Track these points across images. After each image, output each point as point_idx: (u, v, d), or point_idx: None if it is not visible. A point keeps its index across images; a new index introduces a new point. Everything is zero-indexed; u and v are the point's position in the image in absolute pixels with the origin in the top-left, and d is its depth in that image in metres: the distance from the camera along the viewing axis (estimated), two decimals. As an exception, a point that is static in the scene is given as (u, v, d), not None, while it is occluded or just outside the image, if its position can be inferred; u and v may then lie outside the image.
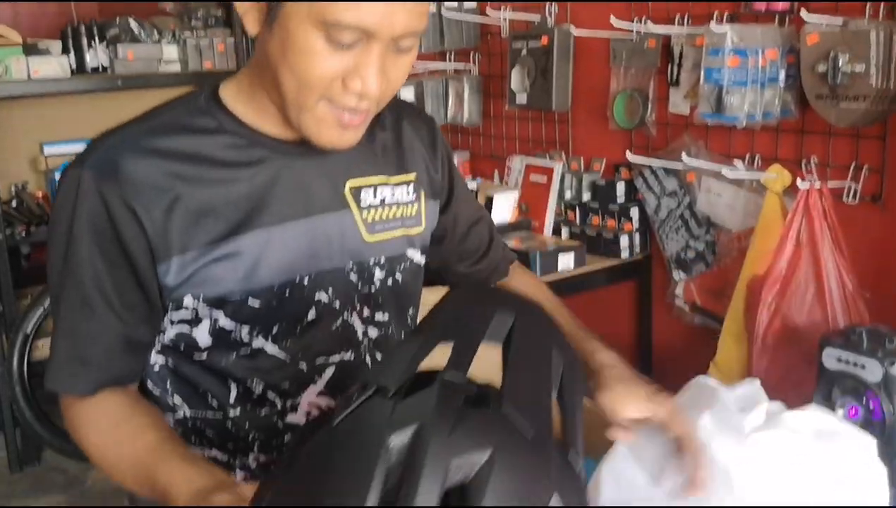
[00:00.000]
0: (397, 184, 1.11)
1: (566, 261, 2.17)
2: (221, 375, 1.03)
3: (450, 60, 2.88)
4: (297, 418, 1.07)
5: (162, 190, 0.95)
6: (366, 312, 1.09)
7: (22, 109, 3.44)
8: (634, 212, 2.28)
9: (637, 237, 2.29)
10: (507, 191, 2.44)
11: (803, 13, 1.72)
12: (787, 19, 1.82)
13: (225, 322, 1.00)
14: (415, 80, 2.93)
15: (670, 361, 2.29)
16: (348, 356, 1.08)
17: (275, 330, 1.02)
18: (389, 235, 1.09)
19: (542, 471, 0.61)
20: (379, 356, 1.13)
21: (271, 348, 1.03)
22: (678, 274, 2.19)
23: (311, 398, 1.07)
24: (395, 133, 1.13)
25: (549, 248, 2.20)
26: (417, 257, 1.14)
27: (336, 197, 1.05)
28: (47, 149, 3.48)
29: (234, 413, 1.05)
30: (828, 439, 1.18)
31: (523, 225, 2.41)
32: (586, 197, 2.41)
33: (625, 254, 2.27)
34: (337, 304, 1.06)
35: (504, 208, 2.40)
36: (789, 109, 1.84)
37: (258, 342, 1.02)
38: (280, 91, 0.93)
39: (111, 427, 0.95)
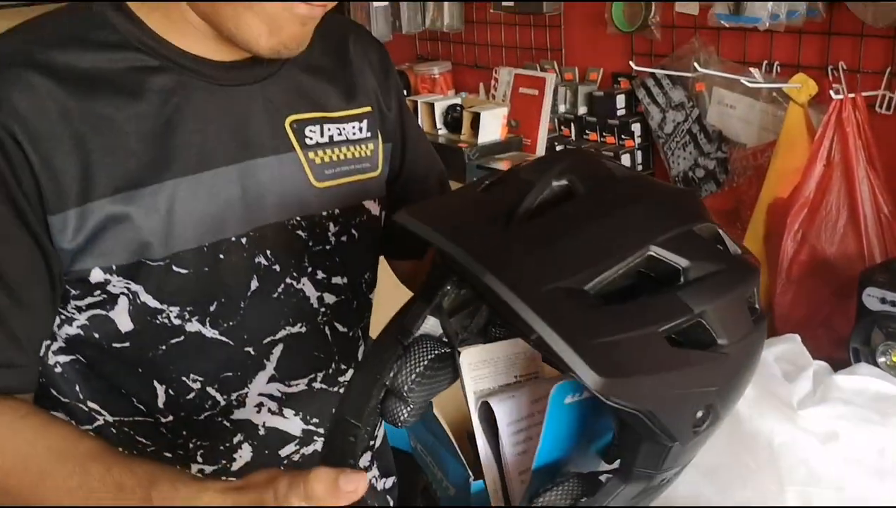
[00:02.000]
0: (347, 119, 0.91)
1: (563, 185, 1.97)
2: (147, 374, 0.83)
3: (427, -40, 2.61)
4: (245, 414, 0.89)
5: (51, 120, 0.74)
6: (319, 275, 0.90)
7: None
8: (636, 127, 2.07)
9: (639, 154, 2.10)
10: (495, 107, 2.21)
11: None
12: None
13: (147, 298, 0.80)
14: (389, -16, 2.66)
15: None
16: (299, 329, 0.89)
17: (212, 308, 0.83)
18: (342, 180, 0.90)
19: None
20: (341, 328, 0.94)
21: (209, 332, 0.83)
22: (685, 195, 2.01)
23: (261, 387, 0.89)
24: (342, 58, 0.93)
25: (544, 171, 2.00)
26: (375, 209, 0.95)
27: (275, 134, 0.85)
28: None
29: (166, 419, 0.86)
30: (888, 409, 1.02)
31: (514, 143, 2.20)
32: (582, 110, 2.20)
33: (626, 174, 2.07)
34: (278, 267, 0.86)
35: (492, 125, 2.18)
36: (816, 9, 1.62)
37: (192, 326, 0.82)
38: None
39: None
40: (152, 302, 0.80)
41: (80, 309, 0.80)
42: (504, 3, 2.30)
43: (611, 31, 2.06)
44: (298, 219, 0.87)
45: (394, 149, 0.98)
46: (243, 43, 0.77)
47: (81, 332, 0.82)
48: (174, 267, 0.80)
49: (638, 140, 2.08)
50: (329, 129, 0.89)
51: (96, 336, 0.82)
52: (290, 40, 0.78)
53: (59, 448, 0.72)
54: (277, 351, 0.89)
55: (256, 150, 0.84)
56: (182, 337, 0.83)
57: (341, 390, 0.96)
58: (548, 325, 0.53)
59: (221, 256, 0.82)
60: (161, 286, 0.80)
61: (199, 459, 0.89)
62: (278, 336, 0.89)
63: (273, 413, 0.91)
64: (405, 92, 1.59)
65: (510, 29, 2.44)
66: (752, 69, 1.77)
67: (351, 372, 0.97)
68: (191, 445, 0.88)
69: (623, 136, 2.08)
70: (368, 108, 0.93)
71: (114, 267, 0.78)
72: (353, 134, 0.91)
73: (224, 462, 0.90)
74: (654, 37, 1.98)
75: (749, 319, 0.65)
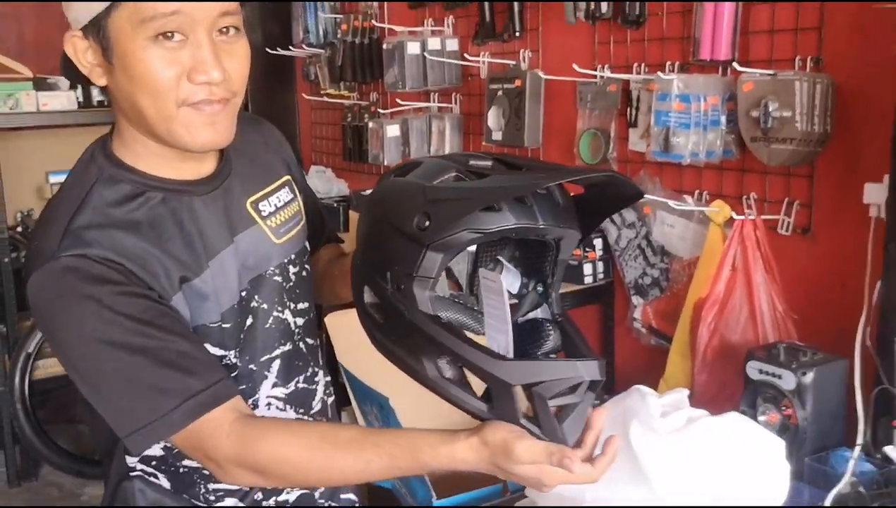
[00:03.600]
0: (278, 189, 1.28)
1: (533, 286, 2.36)
2: None
3: (433, 100, 3.10)
4: (259, 412, 1.23)
5: (130, 249, 1.06)
6: (292, 305, 1.26)
7: (30, 140, 3.65)
8: (598, 242, 2.47)
9: (601, 264, 2.48)
10: (482, 222, 2.62)
11: (738, 65, 1.93)
12: (728, 70, 2.03)
13: (213, 349, 1.14)
14: (401, 117, 3.14)
15: (631, 378, 2.46)
16: (287, 347, 1.25)
17: (232, 343, 1.17)
18: (290, 235, 1.27)
19: None
20: (309, 341, 1.30)
21: (232, 359, 1.18)
22: (636, 299, 2.38)
23: (267, 391, 1.24)
24: (260, 147, 1.30)
25: (518, 274, 2.38)
26: (307, 246, 1.33)
27: (243, 216, 1.20)
28: (52, 178, 3.68)
29: None
30: (738, 440, 1.38)
31: (496, 252, 2.59)
32: (555, 227, 2.59)
33: (588, 280, 2.46)
34: (266, 306, 1.22)
35: (479, 237, 2.58)
36: (731, 150, 2.04)
37: (228, 359, 1.18)
38: (144, 118, 1.06)
39: (303, 439, 1.06)
40: (217, 352, 1.15)
41: None
42: (494, 137, 2.75)
43: (578, 162, 2.49)
44: (273, 268, 1.23)
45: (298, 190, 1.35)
46: (181, 145, 1.08)
47: None
48: (223, 325, 1.15)
49: (599, 252, 2.47)
50: (271, 201, 1.25)
51: None
52: (212, 138, 1.08)
53: (330, 438, 1.05)
54: (276, 364, 1.24)
55: (237, 230, 1.18)
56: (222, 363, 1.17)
57: (315, 387, 1.31)
58: None
59: (244, 303, 1.19)
60: (219, 337, 1.15)
61: None
62: (275, 353, 1.24)
63: (279, 409, 1.26)
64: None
65: (499, 158, 2.88)
66: (686, 196, 2.19)
67: (320, 373, 1.33)
68: None
69: (587, 249, 2.48)
70: (287, 177, 1.31)
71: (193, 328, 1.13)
72: (285, 198, 1.28)
73: None
74: (613, 168, 2.41)
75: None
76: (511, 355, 1.01)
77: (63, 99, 3.26)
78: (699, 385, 1.91)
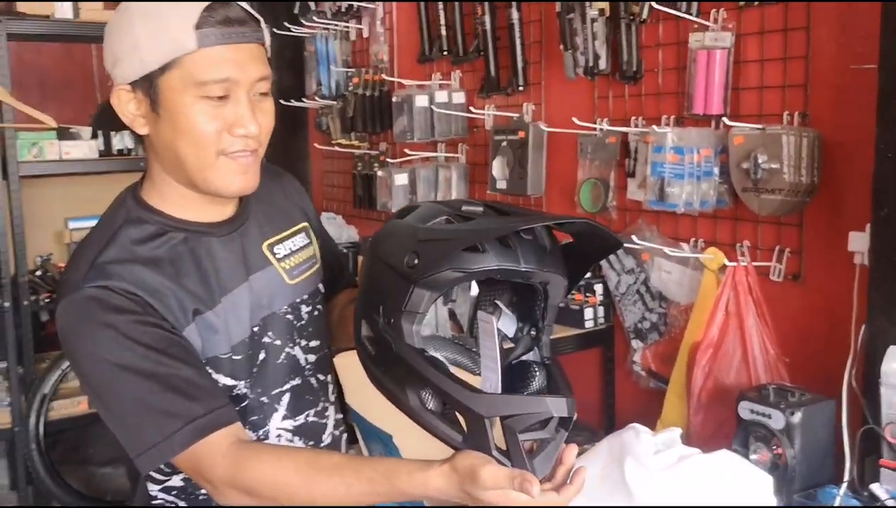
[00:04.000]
0: (296, 234, 1.39)
1: (535, 329, 2.44)
2: None
3: (440, 150, 3.22)
4: (269, 442, 1.31)
5: (148, 283, 1.18)
6: (303, 342, 1.36)
7: (50, 187, 3.76)
8: (598, 287, 2.55)
9: (601, 309, 2.56)
10: (487, 267, 2.71)
11: (729, 119, 2.04)
12: (720, 123, 2.13)
13: (224, 379, 1.25)
14: (409, 166, 3.25)
15: (630, 419, 2.52)
16: (296, 381, 1.35)
17: (243, 374, 1.27)
18: (303, 276, 1.37)
19: None
20: (321, 377, 1.39)
21: (243, 389, 1.28)
22: (636, 343, 2.46)
23: (277, 423, 1.33)
24: (279, 195, 1.42)
25: (521, 318, 2.47)
26: (322, 288, 1.43)
27: (259, 257, 1.32)
28: (71, 224, 3.80)
29: None
30: (728, 476, 1.45)
31: (501, 297, 2.68)
32: (557, 273, 2.68)
33: (589, 325, 2.54)
34: (279, 342, 1.32)
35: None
36: (724, 199, 2.14)
37: (239, 389, 1.27)
38: (183, 166, 1.20)
39: (289, 464, 1.13)
40: (230, 382, 1.25)
41: None
42: (498, 186, 2.85)
43: (579, 211, 2.59)
44: (286, 307, 1.33)
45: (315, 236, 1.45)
46: (215, 191, 1.21)
47: None
48: (233, 356, 1.25)
49: (600, 297, 2.56)
50: (287, 244, 1.36)
51: None
52: (243, 185, 1.22)
53: (314, 463, 1.13)
54: (285, 398, 1.33)
55: (252, 270, 1.29)
56: (231, 394, 1.26)
57: (326, 421, 1.39)
58: None
59: (256, 339, 1.28)
60: (230, 368, 1.24)
61: None
62: (285, 387, 1.33)
63: (288, 441, 1.34)
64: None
65: (504, 206, 2.99)
66: (682, 243, 2.28)
67: (331, 408, 1.41)
68: None
69: (588, 294, 2.56)
70: (304, 224, 1.42)
71: (205, 360, 1.22)
72: (301, 243, 1.39)
73: None
74: (612, 217, 2.50)
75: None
76: (498, 392, 1.08)
77: (85, 148, 3.38)
78: (695, 426, 1.98)
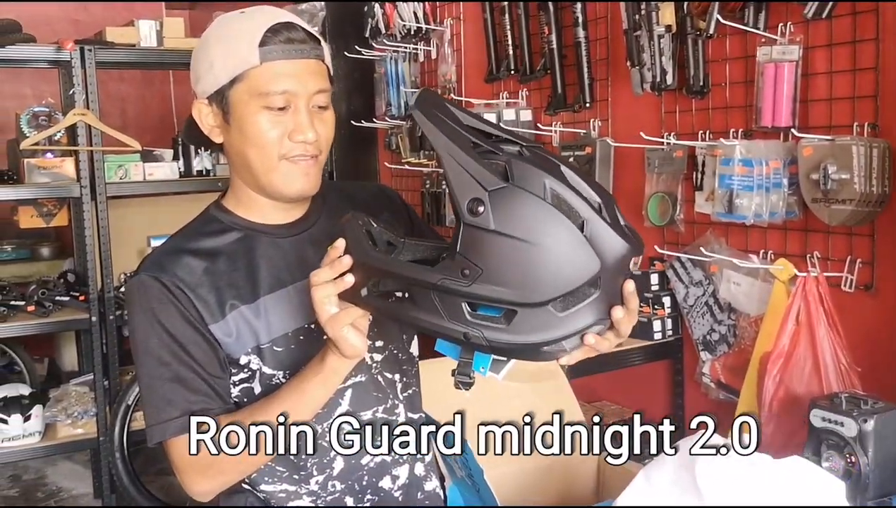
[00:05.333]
0: None
1: (604, 341, 2.47)
2: None
3: (507, 166, 3.27)
4: (332, 435, 1.37)
5: (197, 275, 1.31)
6: (368, 342, 1.36)
7: (134, 207, 3.94)
8: (667, 300, 2.58)
9: (669, 321, 2.58)
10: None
11: (798, 131, 2.05)
12: (788, 135, 2.15)
13: (266, 369, 1.34)
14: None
15: (700, 433, 2.54)
16: (360, 378, 1.41)
17: (284, 365, 1.34)
18: None
19: None
20: (388, 375, 1.45)
21: (281, 379, 1.34)
22: (705, 355, 2.47)
23: (342, 417, 1.39)
24: (349, 202, 1.46)
25: (590, 329, 2.51)
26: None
27: (321, 259, 1.33)
28: (153, 242, 3.96)
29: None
30: (799, 480, 1.46)
31: (569, 310, 2.72)
32: (625, 286, 2.71)
33: (657, 337, 2.56)
34: None
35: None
36: (794, 211, 2.15)
37: (278, 378, 1.34)
38: (250, 169, 1.32)
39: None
40: (269, 370, 1.33)
41: (234, 384, 1.34)
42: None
43: (647, 224, 2.61)
44: None
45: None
46: (277, 192, 1.32)
47: (236, 400, 1.35)
48: (273, 348, 1.33)
49: (668, 309, 2.58)
50: None
51: (245, 400, 1.34)
52: (303, 187, 1.32)
53: (245, 416, 1.27)
54: (348, 394, 1.39)
55: (310, 271, 1.31)
56: None
57: (395, 419, 1.44)
58: None
59: (301, 337, 1.35)
60: (271, 359, 1.33)
61: (313, 469, 1.37)
62: (347, 384, 1.38)
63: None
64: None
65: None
66: (751, 255, 2.29)
67: (401, 406, 1.45)
68: (307, 461, 1.37)
69: (656, 307, 2.59)
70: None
71: (249, 350, 1.32)
72: None
73: (328, 470, 1.38)
74: (680, 229, 2.52)
75: None
76: None
77: (167, 169, 3.54)
78: (766, 436, 1.99)
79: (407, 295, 1.09)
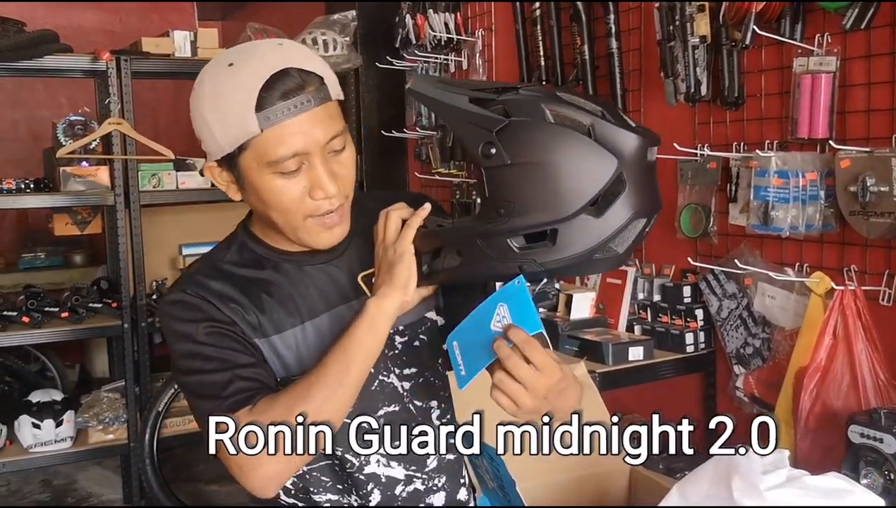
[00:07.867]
0: None
1: (636, 353, 2.46)
2: None
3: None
4: (370, 469, 1.35)
5: (234, 298, 1.29)
6: (396, 370, 1.38)
7: (166, 215, 3.98)
8: (699, 312, 2.55)
9: (702, 334, 2.56)
10: (586, 292, 2.75)
11: (835, 143, 2.03)
12: (825, 147, 2.12)
13: None
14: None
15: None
16: (393, 408, 1.37)
17: None
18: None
19: None
20: (420, 403, 1.41)
21: None
22: (738, 368, 2.44)
23: (377, 448, 1.36)
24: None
25: (622, 341, 2.49)
26: (434, 316, 1.44)
27: (353, 287, 1.35)
28: (185, 250, 4.00)
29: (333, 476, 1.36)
30: (837, 497, 1.44)
31: (600, 321, 2.71)
32: (657, 298, 2.70)
33: (689, 349, 2.53)
34: (372, 370, 1.30)
35: (583, 306, 2.71)
36: (830, 223, 2.12)
37: None
38: (276, 227, 1.28)
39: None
40: None
41: None
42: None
43: (680, 236, 2.59)
44: None
45: None
46: (307, 245, 1.29)
47: None
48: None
49: (700, 322, 2.56)
50: None
51: None
52: (330, 240, 1.28)
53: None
54: (381, 422, 1.35)
55: (343, 299, 1.33)
56: None
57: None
58: None
59: None
60: None
61: (354, 501, 1.36)
62: (379, 413, 1.36)
63: (386, 466, 1.37)
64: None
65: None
66: (786, 268, 2.26)
67: (431, 433, 1.40)
68: (351, 495, 1.36)
69: (688, 319, 2.56)
70: None
71: (278, 380, 1.29)
72: None
73: (364, 501, 1.36)
74: (713, 242, 2.50)
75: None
76: None
77: (198, 178, 3.56)
78: (802, 451, 1.96)
79: (459, 260, 1.16)
